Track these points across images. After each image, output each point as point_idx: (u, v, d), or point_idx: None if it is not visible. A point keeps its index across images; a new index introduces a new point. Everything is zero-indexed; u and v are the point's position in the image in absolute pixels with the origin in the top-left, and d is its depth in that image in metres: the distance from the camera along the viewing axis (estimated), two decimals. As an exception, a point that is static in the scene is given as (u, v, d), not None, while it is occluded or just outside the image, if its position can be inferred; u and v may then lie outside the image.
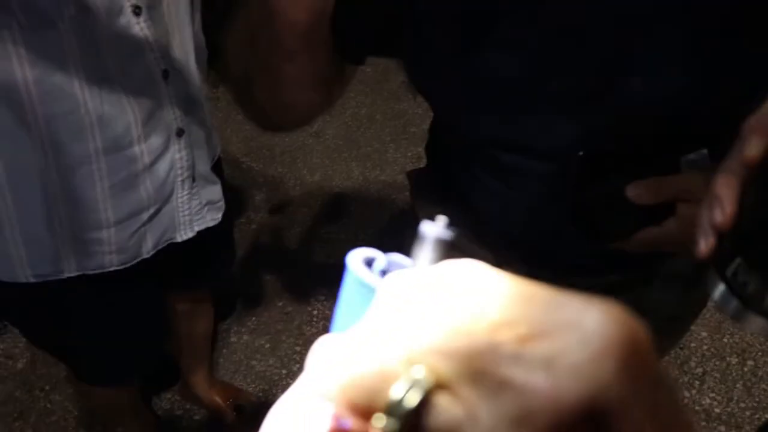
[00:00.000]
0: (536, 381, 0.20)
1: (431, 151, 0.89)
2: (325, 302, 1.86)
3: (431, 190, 0.85)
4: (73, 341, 1.16)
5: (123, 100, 0.94)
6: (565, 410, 0.20)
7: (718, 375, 1.71)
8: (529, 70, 0.64)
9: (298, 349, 1.77)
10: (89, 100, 0.91)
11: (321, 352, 0.24)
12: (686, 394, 1.66)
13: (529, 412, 0.20)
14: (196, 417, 1.62)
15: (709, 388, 1.69)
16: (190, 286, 1.40)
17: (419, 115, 2.39)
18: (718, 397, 1.66)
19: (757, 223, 0.47)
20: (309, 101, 0.74)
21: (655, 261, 0.78)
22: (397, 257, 0.29)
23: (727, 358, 1.74)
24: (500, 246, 0.74)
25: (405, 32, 0.68)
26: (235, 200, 2.01)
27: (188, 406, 1.64)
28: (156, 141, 1.00)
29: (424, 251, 0.27)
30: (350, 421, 0.23)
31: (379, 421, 0.22)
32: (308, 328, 1.83)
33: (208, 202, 1.14)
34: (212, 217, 1.15)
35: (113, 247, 1.03)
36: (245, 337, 1.81)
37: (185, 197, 1.08)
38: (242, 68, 0.73)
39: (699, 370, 1.72)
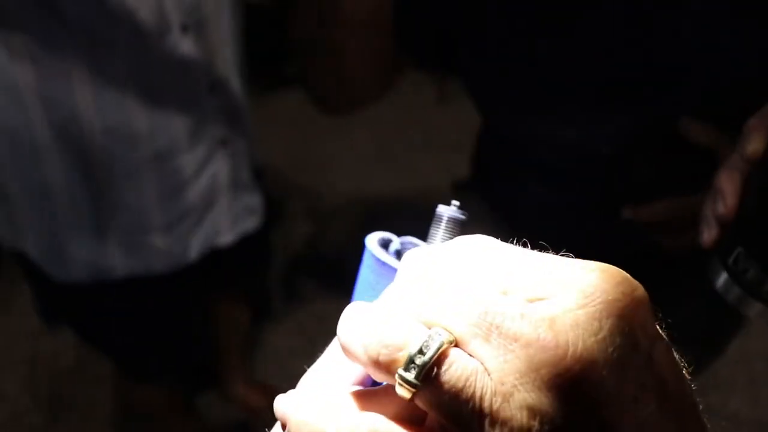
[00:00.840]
0: (541, 336, 0.21)
1: (477, 161, 0.91)
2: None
3: (475, 198, 0.87)
4: (119, 340, 1.19)
5: (171, 112, 0.98)
6: (567, 363, 0.21)
7: (745, 379, 1.70)
8: (592, 63, 0.66)
9: (332, 350, 1.79)
10: (140, 114, 0.95)
11: (349, 318, 0.25)
12: (713, 398, 1.66)
13: (535, 364, 0.21)
14: (236, 417, 1.64)
15: (736, 392, 1.68)
16: (230, 289, 1.42)
17: (447, 126, 2.40)
18: (746, 402, 1.66)
19: (757, 214, 0.48)
20: (368, 79, 0.76)
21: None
22: (409, 239, 0.31)
23: (755, 363, 1.73)
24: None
25: (466, 37, 0.70)
26: (273, 207, 2.03)
27: (227, 407, 1.66)
28: (201, 151, 1.03)
29: (439, 230, 0.28)
30: (376, 375, 0.24)
31: (401, 373, 0.23)
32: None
33: (248, 209, 1.17)
34: (252, 223, 1.17)
35: (161, 251, 1.06)
36: (283, 339, 1.83)
37: (227, 204, 1.11)
38: (308, 44, 0.75)
39: (726, 373, 1.71)
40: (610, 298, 0.22)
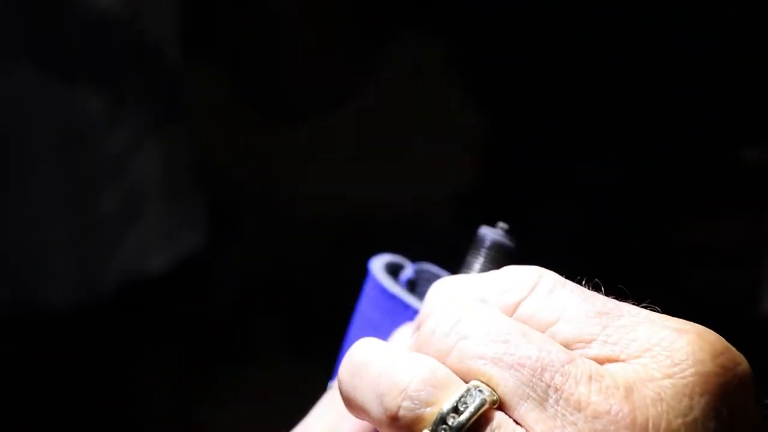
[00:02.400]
0: (613, 408, 0.20)
1: (485, 170, 0.92)
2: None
3: (477, 214, 0.85)
4: None
5: (77, 85, 0.92)
6: None
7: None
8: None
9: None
10: (34, 85, 0.90)
11: (357, 359, 0.23)
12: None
13: None
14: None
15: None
16: (158, 335, 1.23)
17: (450, 120, 2.36)
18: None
19: None
20: (313, 83, 0.77)
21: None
22: (428, 266, 0.29)
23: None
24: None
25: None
26: (223, 220, 1.90)
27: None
28: (121, 139, 0.97)
29: (479, 257, 0.26)
30: None
31: None
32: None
33: (188, 222, 1.08)
34: (192, 241, 1.08)
35: (61, 279, 0.96)
36: (232, 412, 1.65)
37: (158, 214, 1.03)
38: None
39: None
40: (706, 370, 0.20)
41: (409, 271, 0.29)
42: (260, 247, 1.88)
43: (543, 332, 0.21)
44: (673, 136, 0.74)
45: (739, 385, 0.20)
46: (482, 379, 0.21)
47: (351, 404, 0.23)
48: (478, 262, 0.26)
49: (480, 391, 0.21)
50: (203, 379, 1.42)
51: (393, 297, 0.27)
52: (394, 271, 0.29)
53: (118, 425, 1.15)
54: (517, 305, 0.22)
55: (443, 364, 0.22)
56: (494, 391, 0.21)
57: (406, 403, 0.21)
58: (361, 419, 0.23)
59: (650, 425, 0.19)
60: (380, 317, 0.28)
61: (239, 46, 0.87)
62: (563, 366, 0.20)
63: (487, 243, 0.26)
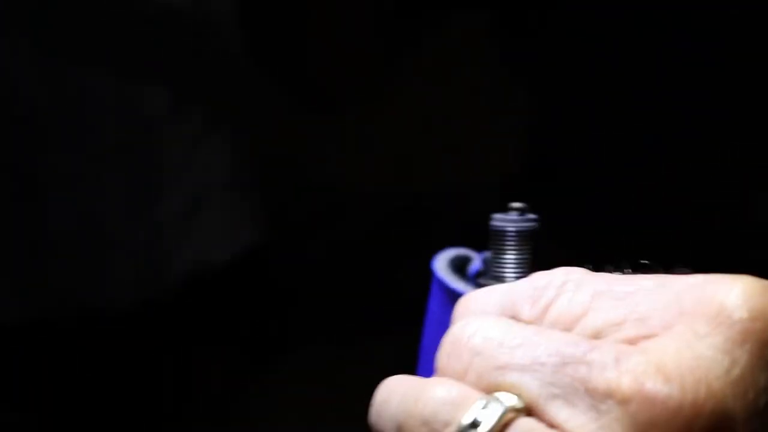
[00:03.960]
0: (646, 385, 0.18)
1: (535, 154, 0.92)
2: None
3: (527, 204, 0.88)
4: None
5: (140, 77, 0.92)
6: (686, 418, 0.18)
7: None
8: None
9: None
10: (96, 79, 0.91)
11: (384, 388, 0.22)
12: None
13: (641, 426, 0.18)
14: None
15: None
16: (216, 330, 1.23)
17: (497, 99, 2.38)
18: None
19: None
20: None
21: None
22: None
23: None
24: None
25: None
26: (278, 213, 1.93)
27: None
28: (187, 133, 0.96)
29: (505, 252, 0.26)
30: None
31: None
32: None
33: (248, 215, 1.08)
34: (252, 235, 1.08)
35: (124, 279, 0.98)
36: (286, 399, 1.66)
37: (222, 207, 1.04)
38: None
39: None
40: (743, 317, 0.18)
41: (477, 262, 0.28)
42: (319, 242, 1.90)
43: (573, 328, 0.21)
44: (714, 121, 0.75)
45: None
46: (504, 389, 0.20)
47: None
48: (507, 258, 0.25)
49: (499, 400, 0.20)
50: (262, 372, 1.50)
51: (460, 294, 0.26)
52: (460, 264, 0.28)
53: (176, 417, 1.15)
54: (547, 309, 0.21)
55: (466, 378, 0.21)
56: (520, 398, 0.20)
57: (422, 429, 0.21)
58: None
59: (688, 392, 0.18)
60: (449, 317, 0.26)
61: (285, 39, 0.89)
62: (585, 355, 0.19)
63: (509, 233, 0.25)
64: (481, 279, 0.27)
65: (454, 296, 0.26)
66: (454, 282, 0.26)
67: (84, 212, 0.92)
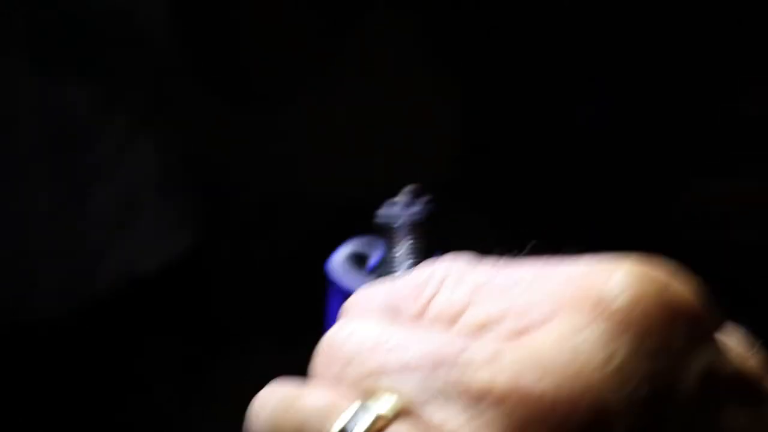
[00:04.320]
0: (520, 382, 0.18)
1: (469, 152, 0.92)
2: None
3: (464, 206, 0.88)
4: None
5: (64, 75, 0.91)
6: (562, 415, 0.17)
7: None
8: None
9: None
10: (17, 77, 0.89)
11: (260, 398, 0.22)
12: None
13: (516, 425, 0.18)
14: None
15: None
16: (149, 342, 1.21)
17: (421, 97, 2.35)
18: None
19: None
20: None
21: None
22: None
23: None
24: None
25: None
26: (215, 217, 1.91)
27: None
28: (114, 134, 0.96)
29: (393, 244, 0.25)
30: None
31: None
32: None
33: (181, 219, 1.07)
34: (185, 240, 1.07)
35: (48, 288, 0.95)
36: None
37: (154, 213, 1.03)
38: None
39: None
40: (623, 305, 0.18)
41: (378, 253, 0.27)
42: (253, 242, 1.88)
43: (454, 324, 0.20)
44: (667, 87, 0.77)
45: (677, 308, 0.18)
46: (378, 394, 0.20)
47: None
48: (395, 252, 0.25)
49: (371, 407, 0.19)
50: (199, 378, 1.48)
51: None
52: (362, 258, 0.27)
53: (116, 426, 1.13)
54: (428, 306, 0.21)
55: (342, 383, 0.21)
56: (396, 402, 0.19)
57: None
58: None
59: (564, 390, 0.18)
60: None
61: (216, 37, 0.89)
62: (459, 355, 0.19)
63: (398, 225, 0.25)
64: (374, 274, 0.26)
65: (347, 294, 0.25)
66: (352, 280, 0.26)
67: (5, 216, 0.90)
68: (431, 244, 0.24)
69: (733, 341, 0.20)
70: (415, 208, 0.25)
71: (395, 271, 0.25)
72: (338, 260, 0.27)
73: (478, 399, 0.18)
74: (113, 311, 0.99)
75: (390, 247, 0.25)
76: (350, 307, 0.23)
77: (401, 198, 0.25)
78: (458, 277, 0.21)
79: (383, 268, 0.26)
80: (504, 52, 0.81)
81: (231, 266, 1.64)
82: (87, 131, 0.91)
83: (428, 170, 1.14)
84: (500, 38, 0.81)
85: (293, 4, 0.86)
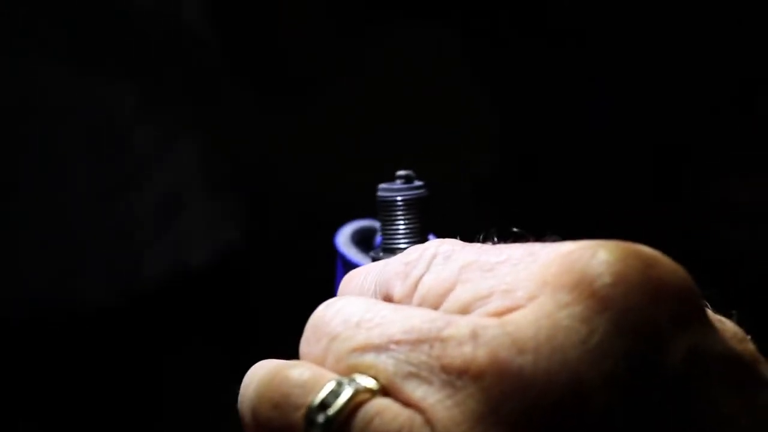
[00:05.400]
0: (499, 358, 0.18)
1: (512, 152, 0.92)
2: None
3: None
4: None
5: (106, 75, 0.93)
6: (540, 390, 0.17)
7: None
8: None
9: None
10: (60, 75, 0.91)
11: (249, 374, 0.22)
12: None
13: (495, 401, 0.18)
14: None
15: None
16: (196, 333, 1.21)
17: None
18: None
19: None
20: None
21: None
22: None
23: None
24: None
25: None
26: (259, 213, 1.91)
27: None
28: (157, 131, 0.96)
29: (394, 223, 0.25)
30: None
31: None
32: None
33: (227, 214, 1.06)
34: (232, 233, 1.06)
35: (97, 276, 0.96)
36: None
37: (201, 205, 1.03)
38: None
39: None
40: (605, 283, 0.18)
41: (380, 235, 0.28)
42: (294, 239, 1.89)
43: (442, 302, 0.20)
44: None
45: (657, 288, 0.18)
46: (362, 370, 0.20)
47: (242, 423, 0.22)
48: (393, 229, 0.25)
49: (352, 382, 0.19)
50: (238, 371, 1.47)
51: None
52: (367, 236, 0.28)
53: (156, 415, 1.13)
54: (417, 285, 0.21)
55: (325, 360, 0.21)
56: (377, 378, 0.20)
57: (273, 413, 0.20)
58: None
59: (542, 364, 0.17)
60: None
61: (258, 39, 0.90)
62: (440, 332, 0.19)
63: (395, 205, 0.25)
64: (373, 252, 0.26)
65: (353, 267, 0.25)
66: (356, 255, 0.26)
67: (54, 210, 0.91)
68: (425, 224, 0.24)
69: (728, 326, 0.20)
70: (413, 189, 0.25)
71: (392, 249, 0.25)
72: (345, 236, 0.27)
73: (458, 374, 0.18)
74: (157, 304, 1.00)
75: (387, 223, 0.25)
76: (344, 287, 0.23)
77: (400, 177, 0.25)
78: (446, 256, 0.21)
79: (377, 249, 0.26)
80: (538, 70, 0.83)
81: (272, 262, 1.66)
82: (132, 128, 0.92)
83: (463, 167, 1.13)
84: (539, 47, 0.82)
85: (334, 8, 0.87)
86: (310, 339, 0.21)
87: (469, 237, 0.24)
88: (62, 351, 0.97)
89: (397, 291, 0.21)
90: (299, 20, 0.87)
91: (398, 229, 0.25)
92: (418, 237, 0.24)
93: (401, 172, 0.25)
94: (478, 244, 0.21)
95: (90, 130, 0.90)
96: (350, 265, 0.25)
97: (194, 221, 1.01)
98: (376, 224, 0.27)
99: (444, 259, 0.21)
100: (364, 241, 0.27)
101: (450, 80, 1.01)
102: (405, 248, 0.24)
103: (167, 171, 0.97)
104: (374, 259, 0.26)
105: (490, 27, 0.84)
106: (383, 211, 0.25)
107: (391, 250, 0.25)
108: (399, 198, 0.25)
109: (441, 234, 0.25)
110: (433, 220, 0.25)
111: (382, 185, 0.25)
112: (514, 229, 0.23)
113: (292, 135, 1.26)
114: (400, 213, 0.25)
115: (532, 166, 0.88)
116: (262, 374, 0.21)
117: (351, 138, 1.38)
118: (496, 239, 0.22)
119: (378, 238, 0.27)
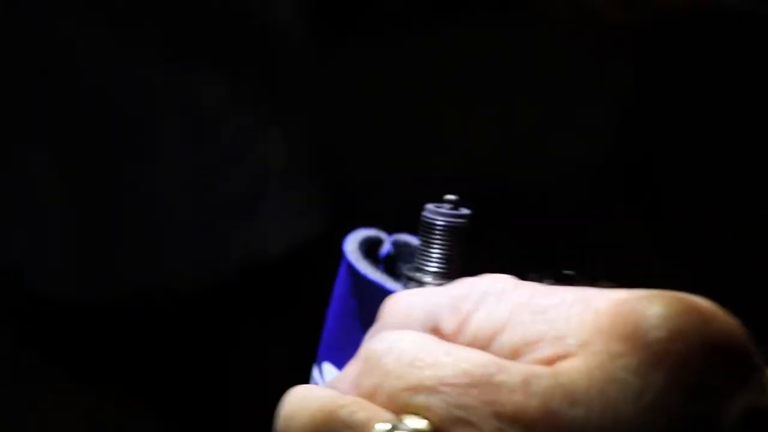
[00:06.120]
0: (551, 409, 0.18)
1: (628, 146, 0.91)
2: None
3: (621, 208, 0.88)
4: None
5: (199, 67, 0.94)
6: None
7: None
8: None
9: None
10: (160, 66, 0.92)
11: (287, 406, 0.21)
12: None
13: None
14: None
15: None
16: (269, 321, 1.20)
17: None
18: None
19: None
20: None
21: None
22: (405, 238, 0.28)
23: None
24: None
25: None
26: (341, 205, 1.91)
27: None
28: (244, 123, 0.98)
29: (432, 247, 0.25)
30: None
31: None
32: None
33: (306, 205, 1.06)
34: (310, 226, 1.06)
35: (185, 259, 0.99)
36: None
37: (279, 196, 1.03)
38: None
39: None
40: (661, 338, 0.17)
41: (387, 245, 0.28)
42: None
43: (491, 343, 0.20)
44: None
45: (714, 346, 0.17)
46: (412, 411, 0.20)
47: None
48: (430, 251, 0.25)
49: (403, 424, 0.19)
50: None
51: (371, 281, 0.26)
52: (372, 246, 0.27)
53: (228, 405, 1.15)
54: (467, 321, 0.21)
55: (376, 397, 0.21)
56: (428, 420, 0.19)
57: None
58: None
59: (594, 419, 0.17)
60: (358, 304, 0.26)
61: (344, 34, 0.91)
62: (492, 377, 0.19)
63: (436, 228, 0.25)
64: (405, 268, 0.26)
65: (359, 279, 0.26)
66: (362, 265, 0.26)
67: (139, 199, 0.93)
68: (463, 253, 0.25)
69: None
70: (458, 217, 0.25)
71: (423, 269, 0.25)
72: (353, 244, 0.27)
73: (510, 422, 0.18)
74: (237, 292, 1.01)
75: (425, 244, 0.25)
76: (388, 313, 0.23)
77: (447, 201, 0.25)
78: (498, 295, 0.21)
79: (409, 265, 0.26)
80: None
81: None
82: (216, 120, 0.93)
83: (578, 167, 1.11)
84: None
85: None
86: (363, 371, 0.21)
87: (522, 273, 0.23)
88: (143, 338, 0.99)
89: (446, 324, 0.21)
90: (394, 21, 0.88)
91: (433, 253, 0.25)
92: (452, 265, 0.24)
93: (449, 197, 0.25)
94: (531, 284, 0.21)
95: (179, 121, 0.92)
96: (358, 275, 0.26)
97: (277, 211, 1.03)
98: (381, 235, 0.27)
99: (496, 299, 0.21)
100: (369, 250, 0.27)
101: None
102: (436, 272, 0.25)
103: (252, 162, 0.98)
104: (408, 278, 0.26)
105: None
106: (423, 231, 0.25)
107: (421, 270, 0.25)
108: (439, 222, 0.25)
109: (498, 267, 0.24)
110: (476, 249, 0.25)
111: (429, 205, 0.25)
112: (566, 272, 0.22)
113: (379, 131, 1.26)
114: (437, 237, 0.25)
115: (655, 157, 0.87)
116: (316, 408, 0.21)
117: (438, 137, 1.38)
118: (549, 279, 0.22)
119: (383, 250, 0.27)
